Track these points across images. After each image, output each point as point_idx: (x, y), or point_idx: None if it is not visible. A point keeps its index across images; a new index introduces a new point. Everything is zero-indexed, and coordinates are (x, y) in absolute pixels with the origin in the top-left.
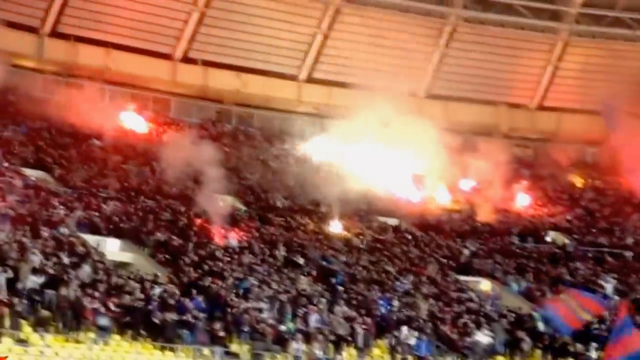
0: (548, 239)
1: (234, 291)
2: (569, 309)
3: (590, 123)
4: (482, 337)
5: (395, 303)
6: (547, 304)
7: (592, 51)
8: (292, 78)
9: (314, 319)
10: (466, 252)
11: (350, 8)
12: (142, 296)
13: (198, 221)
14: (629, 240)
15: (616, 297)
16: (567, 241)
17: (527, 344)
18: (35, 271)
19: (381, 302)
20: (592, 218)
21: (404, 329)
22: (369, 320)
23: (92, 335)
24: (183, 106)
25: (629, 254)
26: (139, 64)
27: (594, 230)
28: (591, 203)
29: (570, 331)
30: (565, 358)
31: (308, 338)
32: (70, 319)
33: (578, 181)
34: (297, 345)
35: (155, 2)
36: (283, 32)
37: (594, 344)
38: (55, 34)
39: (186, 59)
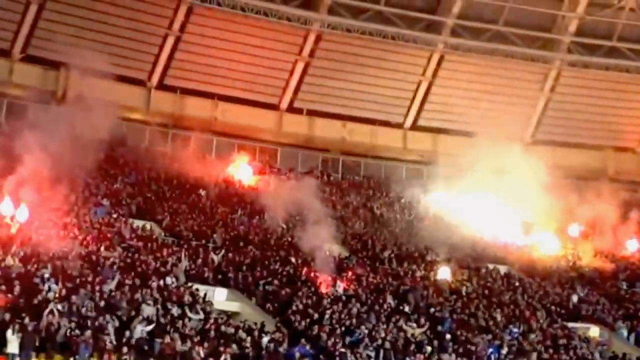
0: None
1: (342, 340)
2: None
3: None
4: None
5: (504, 351)
6: None
7: None
8: (398, 126)
9: None
10: (574, 298)
11: (455, 55)
12: (250, 345)
13: (305, 270)
14: None
15: None
16: None
17: None
18: (144, 320)
19: (490, 349)
20: None
21: None
22: None
23: None
24: (289, 156)
25: None
26: (245, 115)
27: None
28: None
29: None
30: None
31: None
32: None
33: None
34: None
35: (260, 53)
36: (388, 80)
37: None
38: (162, 86)
39: (292, 109)
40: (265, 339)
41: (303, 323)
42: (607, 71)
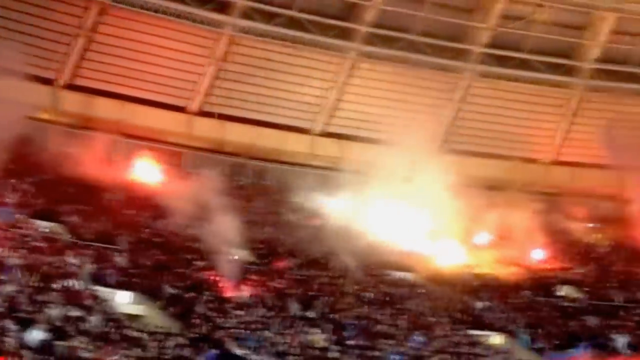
0: (560, 293)
1: (245, 345)
2: None
3: (605, 178)
4: None
5: (407, 357)
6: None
7: (607, 106)
8: (306, 132)
9: None
10: (478, 306)
11: (367, 63)
12: (154, 349)
13: (210, 274)
14: None
15: (628, 352)
16: (579, 295)
17: None
18: (45, 323)
19: (393, 356)
20: (605, 273)
21: None
22: None
23: None
24: (198, 159)
25: None
26: (155, 117)
27: (607, 285)
28: (604, 258)
29: None
30: None
31: None
32: None
33: (591, 236)
34: None
35: (172, 55)
36: (298, 85)
37: None
38: (71, 86)
39: (202, 112)
40: (168, 343)
41: (206, 327)
42: (517, 83)
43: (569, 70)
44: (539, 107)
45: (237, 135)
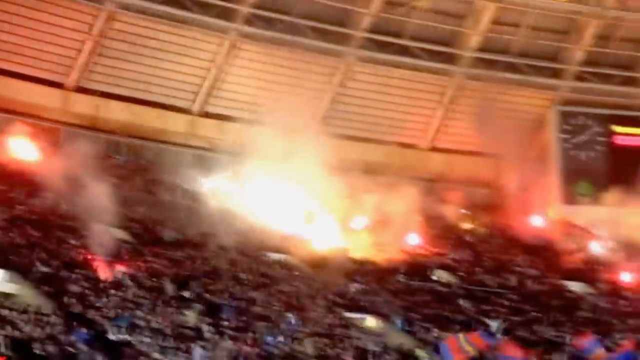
0: (434, 277)
1: (118, 324)
2: (457, 344)
3: (480, 165)
4: None
5: (282, 339)
6: (442, 341)
7: (484, 95)
8: (186, 111)
9: (198, 354)
10: (353, 289)
11: (247, 44)
12: (26, 328)
13: (84, 253)
14: (513, 281)
15: (500, 336)
16: (453, 280)
17: None
18: None
19: (268, 338)
20: (479, 258)
21: None
22: (254, 356)
23: None
24: (74, 136)
25: (513, 295)
26: (30, 92)
27: (480, 270)
28: (478, 243)
29: None
30: None
31: None
32: None
33: (466, 221)
34: None
35: (48, 29)
36: (178, 64)
37: None
38: None
39: (79, 89)
40: (40, 322)
41: (79, 306)
42: (397, 69)
43: (448, 58)
44: (417, 93)
45: (115, 112)
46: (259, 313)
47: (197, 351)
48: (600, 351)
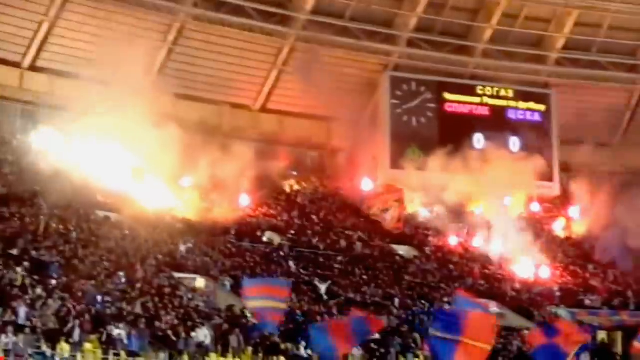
0: (264, 239)
1: None
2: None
3: (311, 128)
4: (196, 334)
5: (110, 298)
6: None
7: (316, 57)
8: (15, 65)
9: (24, 312)
10: (182, 249)
11: None
12: None
13: None
14: (343, 244)
15: (328, 298)
16: (283, 242)
17: (238, 341)
18: None
19: (96, 296)
20: (308, 220)
21: (118, 324)
22: (83, 314)
23: None
24: None
25: (342, 257)
26: None
27: (309, 232)
28: (308, 206)
29: (276, 327)
30: (276, 356)
31: (18, 331)
32: None
33: (296, 183)
34: (6, 339)
35: None
36: (8, 17)
37: (303, 342)
38: None
39: None
40: None
41: None
42: (231, 29)
43: (282, 20)
44: (251, 54)
45: None
46: (87, 272)
47: (23, 310)
48: None
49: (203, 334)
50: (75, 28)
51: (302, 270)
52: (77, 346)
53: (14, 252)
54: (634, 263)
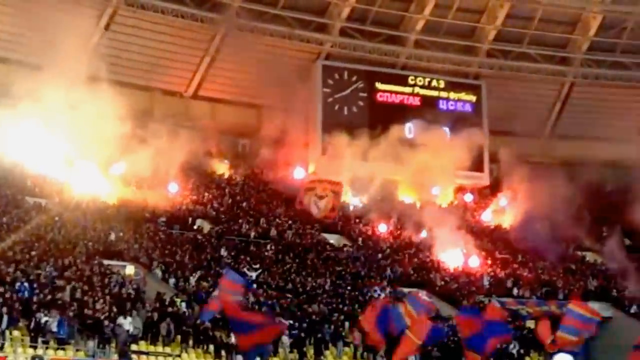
0: (195, 226)
1: None
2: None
3: (243, 115)
4: (125, 322)
5: (38, 286)
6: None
7: (249, 45)
8: None
9: None
10: (112, 236)
11: None
12: None
13: None
14: (273, 232)
15: (256, 286)
16: (213, 229)
17: (168, 330)
18: None
19: (24, 284)
20: (239, 208)
21: (46, 312)
22: (10, 302)
23: None
24: None
25: (272, 245)
26: None
27: (240, 220)
28: (239, 193)
29: (211, 316)
30: (205, 343)
31: None
32: None
33: (227, 171)
34: None
35: None
36: None
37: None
38: None
39: None
40: None
41: None
42: (164, 15)
43: (216, 7)
44: (183, 41)
45: None
46: (16, 259)
47: None
48: None
49: (129, 322)
50: (5, 11)
51: (231, 258)
52: (4, 334)
53: None
54: (560, 253)
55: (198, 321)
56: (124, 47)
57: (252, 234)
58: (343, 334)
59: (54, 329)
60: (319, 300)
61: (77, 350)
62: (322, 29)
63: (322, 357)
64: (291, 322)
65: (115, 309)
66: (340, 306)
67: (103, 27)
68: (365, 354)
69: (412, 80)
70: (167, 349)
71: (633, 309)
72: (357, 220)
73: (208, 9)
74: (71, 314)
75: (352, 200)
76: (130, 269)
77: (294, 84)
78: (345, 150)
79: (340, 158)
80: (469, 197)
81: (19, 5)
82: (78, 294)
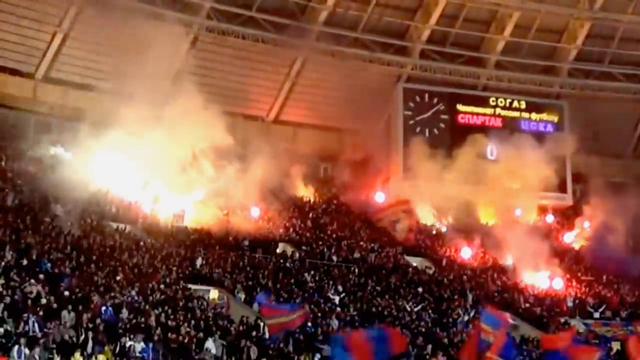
0: (278, 250)
1: None
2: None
3: (324, 139)
4: (210, 345)
5: (124, 310)
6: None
7: (329, 69)
8: (29, 76)
9: (36, 325)
10: (197, 261)
11: (92, 9)
12: None
13: None
14: (356, 255)
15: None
16: (296, 253)
17: (253, 352)
18: None
19: (109, 308)
20: (322, 232)
21: (132, 336)
22: (96, 326)
23: None
24: None
25: (355, 268)
26: None
27: (322, 244)
28: (321, 217)
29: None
30: None
31: (32, 343)
32: None
33: (309, 194)
34: (19, 350)
35: None
36: (23, 28)
37: (318, 354)
38: None
39: None
40: None
41: None
42: (244, 40)
43: (296, 32)
44: (264, 65)
45: None
46: (100, 283)
47: (33, 321)
48: None
49: (214, 345)
50: (88, 39)
51: (315, 282)
52: (90, 358)
53: (26, 263)
54: None
55: (281, 344)
56: (205, 73)
57: (335, 257)
58: (427, 356)
59: (139, 353)
60: (402, 324)
61: None
62: (403, 51)
63: None
64: None
65: (201, 334)
66: (423, 330)
67: (184, 54)
68: None
69: (493, 101)
70: None
71: None
72: (440, 242)
73: (289, 34)
74: (156, 337)
75: (435, 222)
76: (214, 293)
77: (375, 107)
78: (426, 172)
79: (422, 180)
80: (550, 218)
81: (100, 33)
82: (162, 318)
